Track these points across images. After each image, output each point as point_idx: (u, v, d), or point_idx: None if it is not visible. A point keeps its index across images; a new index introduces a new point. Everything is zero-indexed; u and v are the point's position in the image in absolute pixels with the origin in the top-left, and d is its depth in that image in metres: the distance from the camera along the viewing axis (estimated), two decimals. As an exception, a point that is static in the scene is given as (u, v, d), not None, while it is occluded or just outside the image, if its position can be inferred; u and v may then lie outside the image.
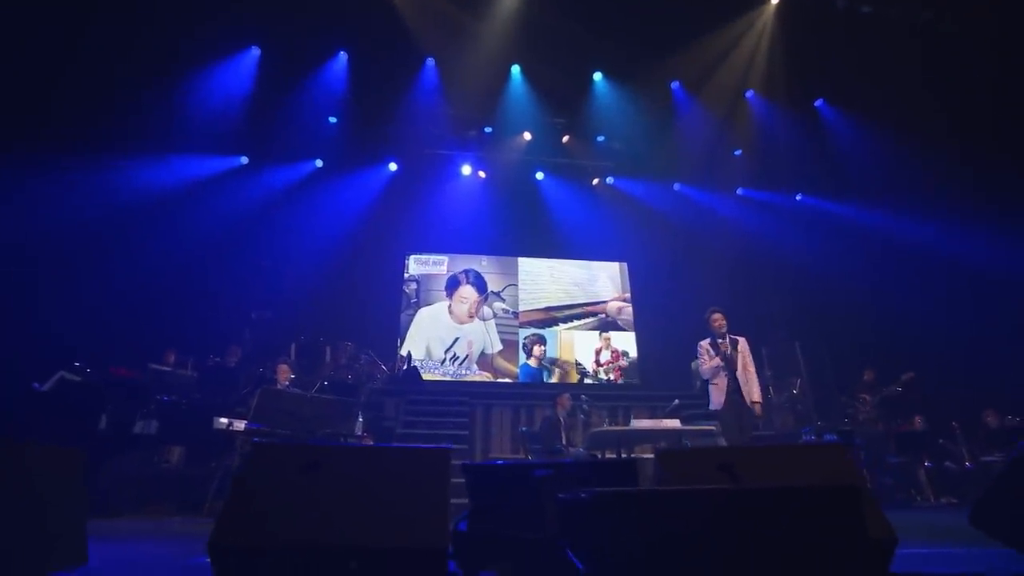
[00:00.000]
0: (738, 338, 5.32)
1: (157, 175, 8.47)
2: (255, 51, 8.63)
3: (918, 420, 7.41)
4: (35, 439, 2.81)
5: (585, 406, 6.48)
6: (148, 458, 5.37)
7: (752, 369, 5.22)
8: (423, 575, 1.89)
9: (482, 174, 10.92)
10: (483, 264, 10.83)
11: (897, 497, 6.62)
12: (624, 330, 10.70)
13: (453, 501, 2.05)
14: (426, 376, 9.33)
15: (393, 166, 10.64)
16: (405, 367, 8.29)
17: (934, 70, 8.21)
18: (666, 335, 9.84)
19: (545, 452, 5.92)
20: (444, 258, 10.82)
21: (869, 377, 7.73)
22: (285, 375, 5.53)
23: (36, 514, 1.93)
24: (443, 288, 10.55)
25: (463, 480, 2.39)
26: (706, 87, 9.79)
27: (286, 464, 2.06)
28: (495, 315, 10.48)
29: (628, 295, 11.01)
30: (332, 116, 9.70)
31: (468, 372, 9.94)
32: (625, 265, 11.32)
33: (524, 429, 6.51)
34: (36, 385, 4.61)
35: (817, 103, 10.06)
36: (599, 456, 5.67)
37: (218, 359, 6.82)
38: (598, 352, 10.45)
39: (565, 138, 10.66)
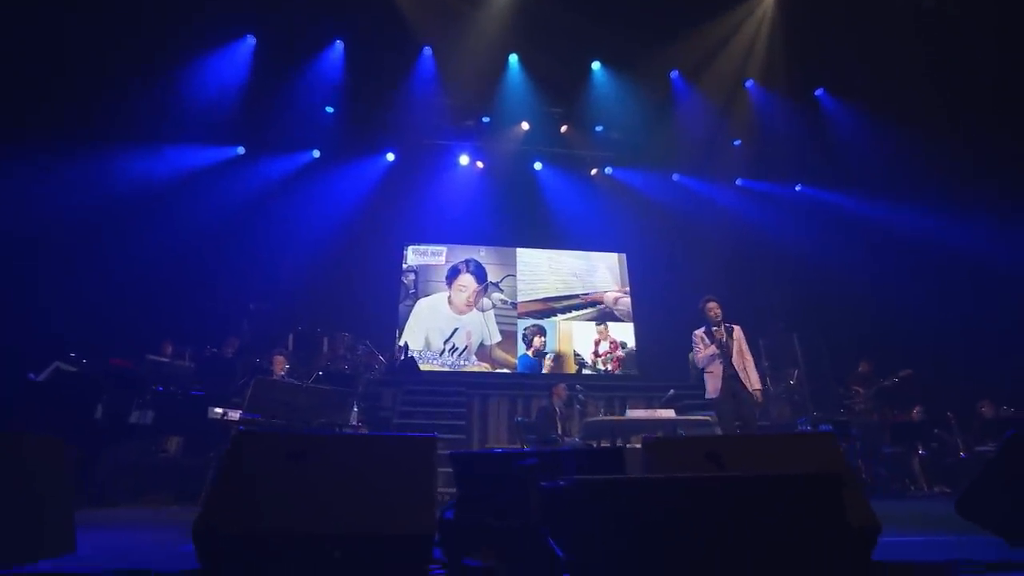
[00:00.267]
0: (733, 326, 5.28)
1: (153, 165, 8.45)
2: (250, 40, 8.56)
3: (916, 411, 7.42)
4: (31, 429, 2.82)
5: (581, 396, 6.49)
6: (146, 448, 5.40)
7: (749, 357, 5.19)
8: (408, 562, 1.90)
9: (480, 164, 10.88)
10: (481, 254, 10.82)
11: (892, 487, 6.64)
12: (622, 321, 10.70)
13: (443, 491, 2.06)
14: (425, 367, 9.35)
15: (391, 156, 10.60)
16: (402, 358, 8.30)
17: (936, 59, 8.13)
18: (664, 326, 9.83)
19: (541, 442, 5.94)
20: (443, 248, 10.81)
21: (864, 369, 7.73)
22: (281, 365, 5.55)
23: (23, 503, 1.94)
24: (442, 279, 10.54)
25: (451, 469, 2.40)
26: (705, 76, 9.71)
27: (270, 452, 2.06)
28: (494, 306, 10.48)
29: (627, 287, 11.00)
30: (329, 106, 9.64)
31: (467, 363, 9.96)
32: (624, 256, 11.30)
33: (520, 419, 6.53)
34: (32, 375, 4.62)
35: (817, 92, 9.99)
36: (594, 446, 5.69)
37: (215, 350, 6.83)
38: (596, 343, 10.46)
39: (563, 128, 10.60)
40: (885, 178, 9.44)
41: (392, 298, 10.23)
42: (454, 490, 2.39)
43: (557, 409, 6.27)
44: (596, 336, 10.51)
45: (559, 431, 6.15)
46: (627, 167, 11.13)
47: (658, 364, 9.89)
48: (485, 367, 9.92)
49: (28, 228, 6.62)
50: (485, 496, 2.30)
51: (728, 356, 5.08)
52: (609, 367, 10.26)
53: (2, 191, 6.52)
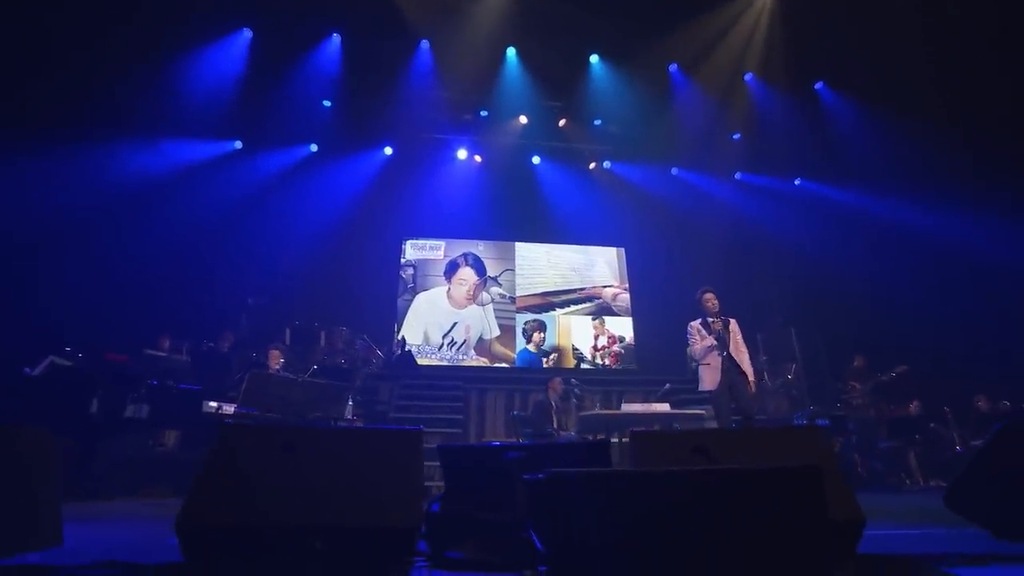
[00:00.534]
0: (730, 319, 5.21)
1: (150, 160, 8.43)
2: (247, 33, 8.53)
3: (913, 405, 7.42)
4: (27, 423, 2.83)
5: (577, 390, 6.50)
6: (142, 442, 5.41)
7: (744, 349, 5.11)
8: (392, 554, 1.91)
9: (478, 158, 10.85)
10: (480, 249, 10.81)
11: (888, 481, 6.65)
12: (619, 315, 10.69)
13: (438, 484, 2.06)
14: (424, 361, 9.36)
15: (388, 150, 10.56)
16: (399, 352, 8.31)
17: (937, 52, 8.07)
18: (663, 320, 9.82)
19: (537, 436, 5.96)
20: (441, 243, 10.80)
21: (860, 364, 7.73)
22: (276, 359, 5.56)
23: (10, 496, 1.95)
24: (441, 273, 10.53)
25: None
26: (704, 70, 9.66)
27: (256, 445, 2.07)
28: (492, 300, 10.48)
29: (626, 282, 10.98)
30: (326, 99, 9.60)
31: (466, 357, 9.97)
32: (622, 250, 11.28)
33: (516, 413, 6.54)
34: (27, 370, 4.64)
35: (817, 86, 9.93)
36: (590, 440, 5.69)
37: (212, 344, 6.85)
38: (595, 337, 10.46)
39: (562, 122, 10.55)
40: (884, 173, 9.40)
41: (391, 293, 10.23)
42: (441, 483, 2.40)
43: (553, 403, 6.27)
44: (594, 331, 10.51)
45: (555, 425, 6.16)
46: (626, 161, 11.09)
47: (657, 358, 9.89)
48: (484, 361, 9.93)
49: (24, 223, 6.62)
50: (471, 489, 2.31)
51: (725, 348, 5.01)
52: (607, 362, 10.26)
53: (-3, 186, 6.53)
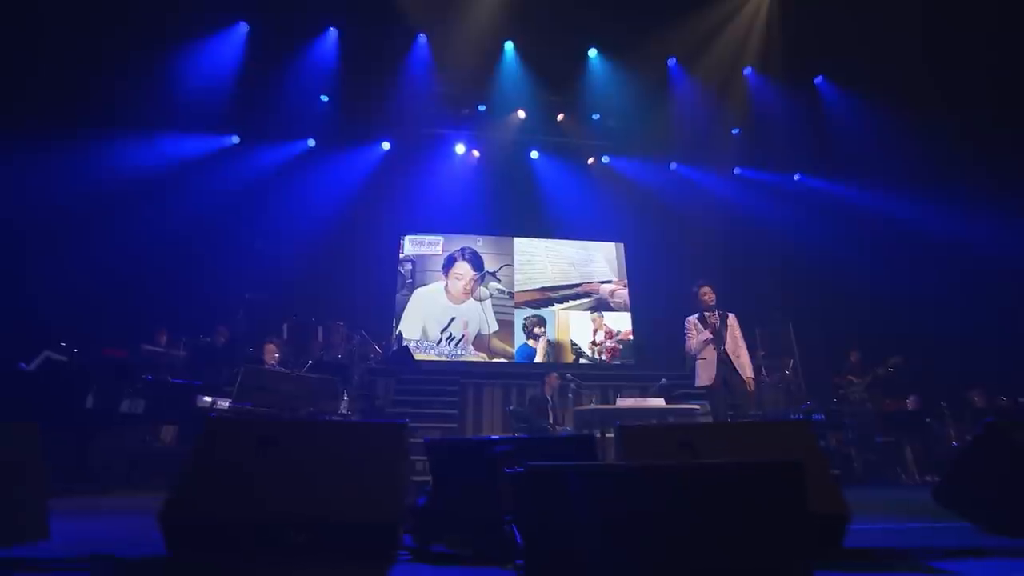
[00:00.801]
0: (728, 313, 5.14)
1: (147, 154, 8.43)
2: (243, 26, 8.50)
3: (911, 400, 7.42)
4: (22, 418, 2.83)
5: (573, 385, 6.50)
6: (139, 437, 5.43)
7: (743, 344, 5.04)
8: (374, 549, 1.91)
9: (476, 153, 10.82)
10: (479, 244, 10.79)
11: (884, 475, 6.66)
12: (617, 310, 10.68)
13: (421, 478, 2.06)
14: (422, 356, 9.36)
15: (386, 145, 10.55)
16: (396, 347, 8.32)
17: (936, 46, 8.02)
18: (662, 315, 9.80)
19: (532, 431, 5.96)
20: (439, 238, 10.78)
21: (855, 358, 7.72)
22: (271, 354, 5.57)
23: (-4, 489, 1.96)
24: (439, 268, 10.53)
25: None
26: (703, 64, 9.61)
27: (241, 439, 2.07)
28: (491, 295, 10.47)
29: (625, 277, 10.96)
30: (324, 94, 9.58)
31: (464, 352, 9.97)
32: (622, 245, 11.25)
33: (512, 408, 6.55)
34: (22, 365, 4.65)
35: (816, 80, 9.88)
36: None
37: (208, 339, 6.86)
38: (594, 332, 10.45)
39: (560, 116, 10.53)
40: (883, 168, 9.37)
41: (389, 288, 10.23)
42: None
43: (549, 398, 6.28)
44: (593, 326, 10.51)
45: (551, 420, 6.17)
46: (624, 156, 11.06)
47: (655, 353, 9.88)
48: (482, 356, 9.93)
49: (19, 217, 6.62)
50: (458, 483, 2.31)
51: (722, 342, 4.94)
52: (604, 356, 10.26)
53: (-7, 180, 6.52)
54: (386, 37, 8.90)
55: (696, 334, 5.10)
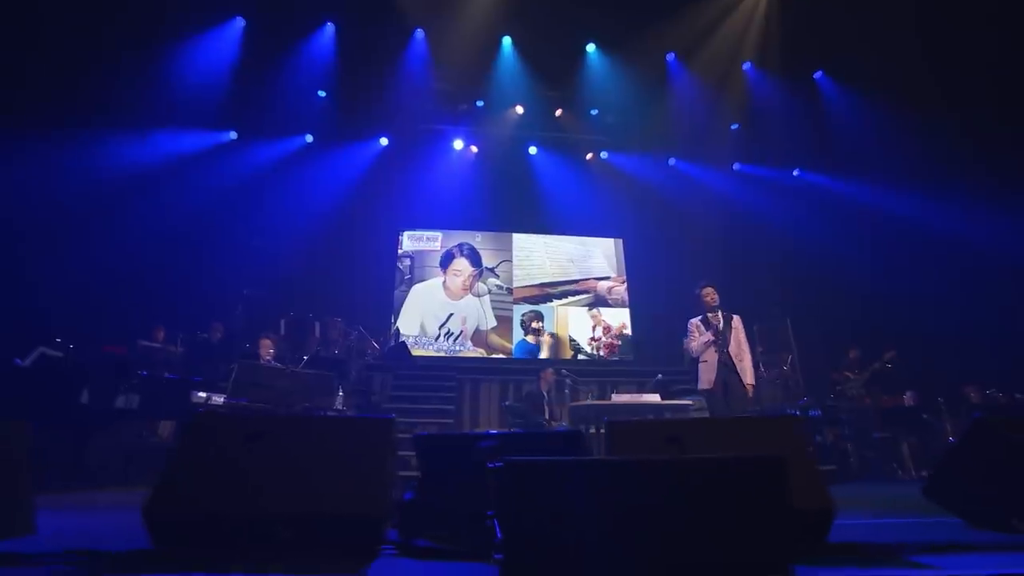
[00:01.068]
0: (733, 315, 5.03)
1: (144, 150, 8.42)
2: (239, 21, 8.47)
3: (908, 396, 7.41)
4: (17, 414, 2.83)
5: (569, 380, 6.50)
6: (136, 433, 5.45)
7: (746, 348, 4.92)
8: (359, 542, 1.91)
9: (474, 149, 10.80)
10: (477, 240, 10.78)
11: (880, 471, 6.66)
12: (615, 307, 10.68)
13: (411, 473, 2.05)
14: (420, 352, 9.37)
15: (384, 141, 10.53)
16: (392, 343, 8.33)
17: (936, 41, 7.98)
18: (661, 311, 9.81)
19: (528, 427, 5.97)
20: (438, 234, 10.77)
21: (854, 356, 7.71)
22: (267, 349, 5.57)
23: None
24: (437, 264, 10.52)
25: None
26: (702, 59, 9.58)
27: (226, 434, 2.07)
28: (489, 291, 10.47)
29: (623, 273, 10.95)
30: (321, 90, 9.56)
31: (462, 348, 9.97)
32: (620, 241, 11.23)
33: (507, 403, 6.55)
34: (17, 361, 4.66)
35: (816, 75, 9.83)
36: (583, 430, 5.70)
37: (205, 335, 6.87)
38: (593, 328, 10.45)
39: (558, 112, 10.50)
40: (882, 163, 9.34)
41: (388, 284, 10.23)
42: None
43: (545, 394, 6.28)
44: (591, 322, 10.51)
45: (547, 416, 6.17)
46: (623, 151, 11.03)
47: (653, 349, 9.89)
48: (480, 352, 9.93)
49: (16, 214, 6.62)
50: (446, 478, 2.31)
51: (724, 345, 4.82)
52: (603, 353, 10.26)
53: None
54: (383, 32, 8.87)
55: (698, 336, 4.99)
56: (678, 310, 6.76)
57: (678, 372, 7.91)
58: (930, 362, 7.65)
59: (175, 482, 1.91)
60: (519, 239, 10.96)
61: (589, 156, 11.21)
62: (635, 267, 10.93)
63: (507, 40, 9.45)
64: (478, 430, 7.77)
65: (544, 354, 10.06)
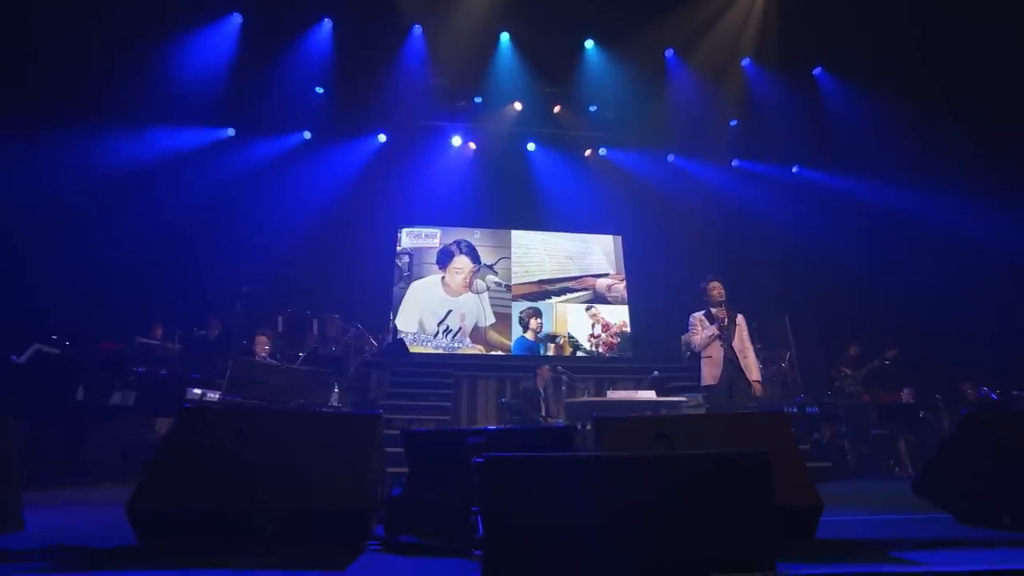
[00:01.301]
0: (737, 313, 4.88)
1: (144, 147, 8.41)
2: (237, 17, 8.45)
3: (906, 392, 7.40)
4: (12, 410, 2.83)
5: (565, 377, 6.50)
6: (133, 429, 5.45)
7: (750, 346, 4.78)
8: (344, 538, 1.91)
9: (472, 145, 10.78)
10: (476, 237, 10.77)
11: (877, 468, 6.65)
12: (614, 304, 10.67)
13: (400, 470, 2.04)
14: (419, 349, 9.38)
15: (382, 137, 10.51)
16: (390, 339, 8.33)
17: (936, 37, 7.93)
18: (660, 307, 9.81)
19: (524, 423, 5.97)
20: (437, 231, 10.76)
21: (854, 352, 7.70)
22: (262, 346, 5.57)
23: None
24: (435, 261, 10.51)
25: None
26: (701, 55, 9.53)
27: (214, 429, 2.07)
28: (488, 288, 10.46)
29: (622, 272, 10.93)
30: (319, 86, 9.54)
31: (461, 345, 9.97)
32: (619, 238, 11.22)
33: (504, 400, 6.56)
34: (13, 357, 4.67)
35: (815, 71, 9.79)
36: (578, 427, 5.70)
37: (202, 332, 6.88)
38: (592, 325, 10.45)
39: (556, 108, 10.47)
40: (882, 160, 9.30)
41: (386, 280, 10.23)
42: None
43: (541, 391, 6.28)
44: (591, 319, 10.50)
45: (543, 412, 6.18)
46: (622, 148, 11.00)
47: (653, 346, 9.88)
48: (479, 349, 9.93)
49: (15, 211, 6.62)
50: (433, 473, 2.31)
51: (730, 340, 4.66)
52: (601, 349, 10.26)
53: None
54: (381, 28, 8.84)
55: (701, 330, 4.83)
56: (677, 307, 6.75)
57: (676, 369, 7.91)
58: (928, 357, 7.64)
59: (159, 478, 1.91)
60: (518, 236, 10.94)
61: (588, 152, 11.19)
62: (634, 264, 10.92)
63: (505, 36, 9.41)
64: (475, 426, 7.77)
65: (544, 352, 10.06)
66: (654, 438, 2.32)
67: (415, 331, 9.82)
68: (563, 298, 10.64)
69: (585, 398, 6.11)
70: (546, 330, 10.28)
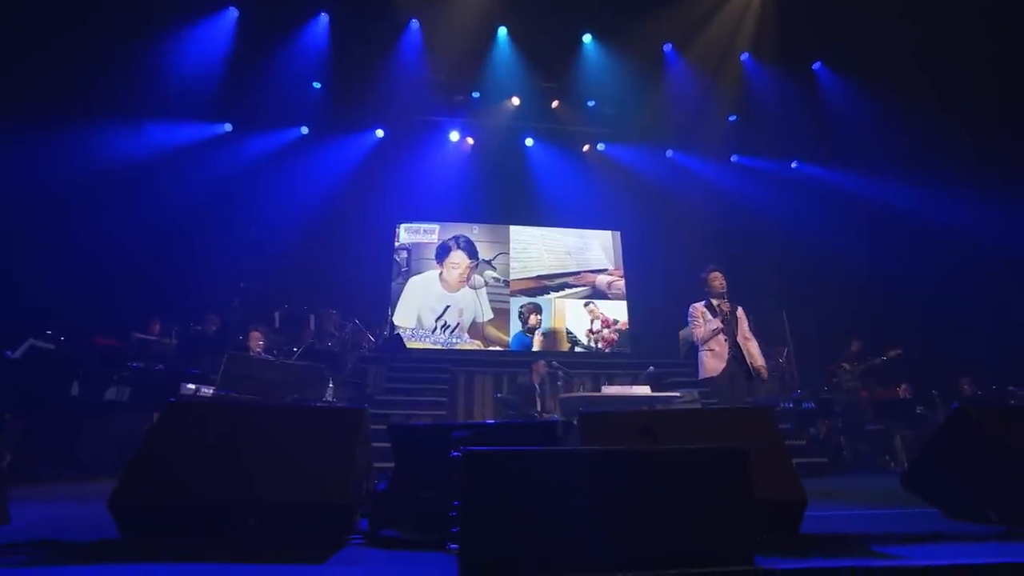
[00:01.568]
0: (737, 305, 4.78)
1: (141, 142, 8.40)
2: (232, 12, 8.42)
3: (903, 388, 7.39)
4: (7, 405, 2.83)
5: (560, 372, 6.50)
6: (128, 424, 5.46)
7: (751, 337, 4.70)
8: (326, 531, 1.92)
9: (470, 140, 10.75)
10: (475, 232, 10.76)
11: (873, 463, 6.65)
12: (613, 299, 10.66)
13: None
14: (417, 345, 9.38)
15: (380, 132, 10.49)
16: (387, 334, 8.34)
17: (935, 32, 7.89)
18: (658, 303, 9.79)
19: (520, 418, 5.97)
20: (435, 227, 10.74)
21: (856, 348, 7.69)
22: (256, 341, 5.57)
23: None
24: (433, 257, 10.50)
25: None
26: (700, 50, 9.49)
27: (197, 424, 2.07)
28: (486, 284, 10.45)
29: (621, 267, 10.91)
30: (316, 81, 9.51)
31: (459, 340, 9.97)
32: (618, 234, 11.20)
33: (500, 395, 6.56)
34: (8, 353, 4.67)
35: (814, 66, 9.74)
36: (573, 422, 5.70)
37: (199, 327, 6.88)
38: (591, 321, 10.44)
39: (555, 103, 10.43)
40: (880, 155, 9.27)
41: (385, 276, 10.22)
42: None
43: (537, 386, 6.28)
44: (589, 315, 10.49)
45: (539, 407, 6.18)
46: (620, 143, 10.97)
47: (651, 341, 9.87)
48: (477, 344, 9.93)
49: (11, 207, 6.62)
50: (419, 468, 2.31)
51: (733, 332, 4.55)
52: (600, 345, 10.26)
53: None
54: (378, 23, 8.81)
55: (703, 322, 4.66)
56: (675, 302, 6.72)
57: (673, 364, 7.90)
58: (926, 352, 7.63)
59: (141, 472, 1.91)
60: (516, 231, 10.93)
61: (586, 148, 11.16)
62: (632, 259, 10.90)
63: (503, 30, 9.37)
64: (468, 421, 7.78)
65: (540, 346, 10.06)
66: (639, 433, 2.32)
67: (413, 327, 9.82)
68: (561, 294, 10.63)
69: (580, 393, 6.10)
70: (545, 326, 10.28)
